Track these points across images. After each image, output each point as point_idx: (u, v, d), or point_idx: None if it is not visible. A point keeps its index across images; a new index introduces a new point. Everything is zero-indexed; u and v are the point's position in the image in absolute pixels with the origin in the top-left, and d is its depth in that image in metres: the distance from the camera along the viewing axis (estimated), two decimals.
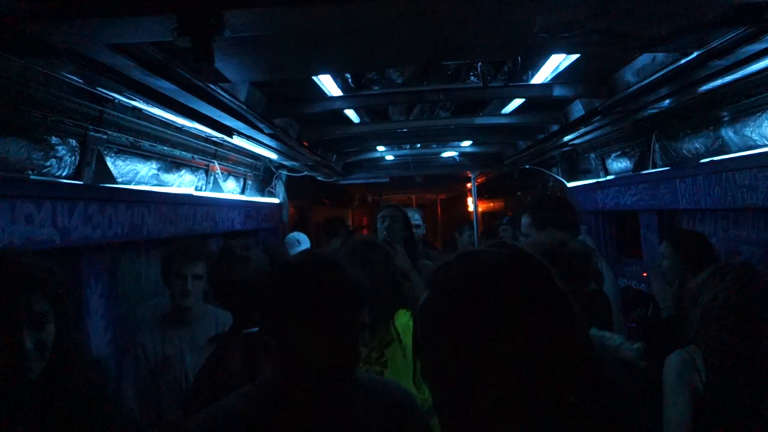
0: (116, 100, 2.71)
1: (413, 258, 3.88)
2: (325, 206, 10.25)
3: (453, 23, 2.08)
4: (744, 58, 2.32)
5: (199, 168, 4.22)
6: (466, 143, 6.45)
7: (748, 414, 2.16)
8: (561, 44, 2.48)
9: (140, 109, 2.90)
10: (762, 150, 2.90)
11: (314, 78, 3.36)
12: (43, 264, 1.55)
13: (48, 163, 2.55)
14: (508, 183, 8.85)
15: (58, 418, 1.51)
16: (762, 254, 3.11)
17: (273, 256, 3.65)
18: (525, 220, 3.23)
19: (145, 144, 3.31)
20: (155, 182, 3.57)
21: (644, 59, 3.09)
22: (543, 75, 3.52)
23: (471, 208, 8.64)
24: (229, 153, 4.62)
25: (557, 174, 6.28)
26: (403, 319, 2.66)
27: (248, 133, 3.64)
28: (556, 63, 3.25)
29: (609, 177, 5.09)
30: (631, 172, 4.61)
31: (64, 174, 2.67)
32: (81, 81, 2.30)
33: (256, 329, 2.29)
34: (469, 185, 8.43)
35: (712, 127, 3.30)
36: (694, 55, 2.46)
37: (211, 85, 2.74)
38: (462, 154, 7.45)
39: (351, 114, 4.55)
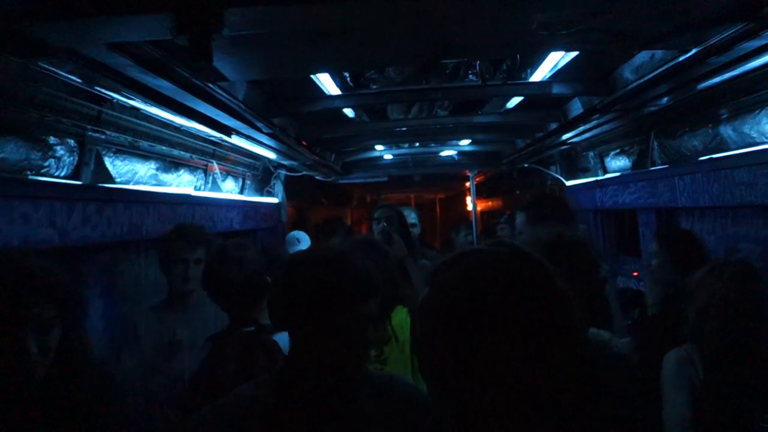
0: (115, 100, 2.70)
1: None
2: (324, 206, 10.25)
3: (452, 22, 2.08)
4: (742, 55, 2.32)
5: (197, 168, 4.22)
6: (465, 142, 6.45)
7: (746, 410, 2.17)
8: (560, 42, 2.48)
9: (138, 109, 2.90)
10: (761, 147, 2.90)
11: (313, 77, 3.36)
12: (47, 266, 1.53)
13: (46, 164, 2.54)
14: (506, 182, 8.84)
15: (61, 420, 1.50)
16: (761, 252, 3.11)
17: (271, 256, 3.66)
18: (520, 218, 3.23)
19: (144, 144, 3.30)
20: (154, 182, 3.56)
21: (643, 56, 3.09)
22: (542, 73, 3.52)
23: (470, 207, 8.64)
24: (228, 153, 4.61)
25: (556, 172, 6.28)
26: (400, 316, 2.67)
27: (247, 133, 3.64)
28: (554, 61, 3.25)
29: (608, 175, 5.09)
30: (629, 171, 4.61)
31: (62, 174, 2.67)
32: (79, 80, 2.29)
33: (253, 328, 2.29)
34: (467, 184, 8.44)
35: (710, 125, 3.30)
36: (693, 52, 2.46)
37: (210, 84, 2.74)
38: (460, 153, 7.45)
39: (349, 113, 4.54)
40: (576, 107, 4.29)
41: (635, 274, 4.73)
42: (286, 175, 6.15)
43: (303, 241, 5.31)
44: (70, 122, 2.62)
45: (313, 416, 1.51)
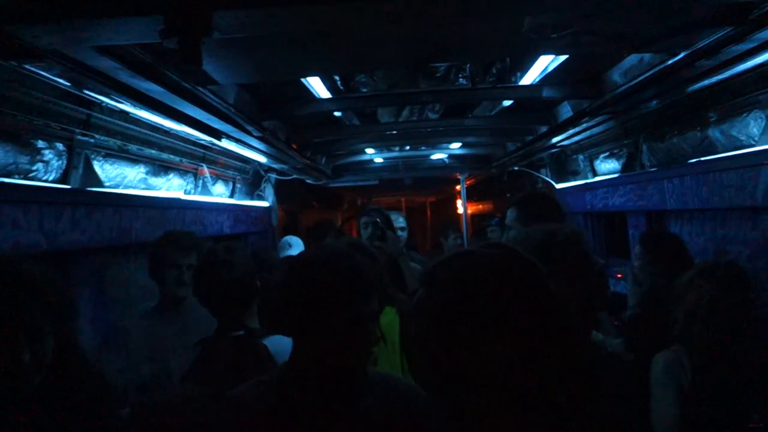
0: (103, 104, 2.68)
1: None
2: (314, 209, 10.22)
3: (442, 25, 2.08)
4: (730, 59, 2.34)
5: (187, 171, 4.20)
6: (455, 145, 6.46)
7: (734, 412, 2.18)
8: (550, 45, 2.49)
9: (128, 113, 2.88)
10: (748, 150, 2.92)
11: (303, 80, 3.35)
12: (41, 271, 1.49)
13: (34, 168, 2.52)
14: (497, 185, 8.86)
15: (57, 429, 1.47)
16: (749, 253, 3.13)
17: (261, 260, 3.64)
18: (511, 214, 3.23)
19: (133, 147, 3.28)
20: (143, 186, 3.54)
21: (632, 60, 3.10)
22: (531, 76, 3.54)
23: (460, 210, 8.65)
24: (218, 156, 4.60)
25: (546, 175, 6.30)
26: (389, 316, 2.67)
27: (237, 136, 3.62)
28: (544, 64, 3.26)
29: (597, 178, 5.10)
30: (619, 173, 4.63)
31: (51, 178, 2.65)
32: (67, 84, 2.28)
33: (242, 332, 2.28)
34: (458, 187, 8.44)
35: (699, 128, 3.32)
36: (682, 55, 2.48)
37: (200, 88, 2.73)
38: (451, 156, 7.46)
39: (340, 116, 4.54)
40: (566, 110, 4.31)
41: (619, 276, 4.75)
42: (276, 179, 6.14)
43: (294, 245, 5.29)
44: (59, 126, 2.60)
45: (315, 417, 1.50)
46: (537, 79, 3.61)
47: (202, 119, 3.04)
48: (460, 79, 3.69)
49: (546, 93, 3.80)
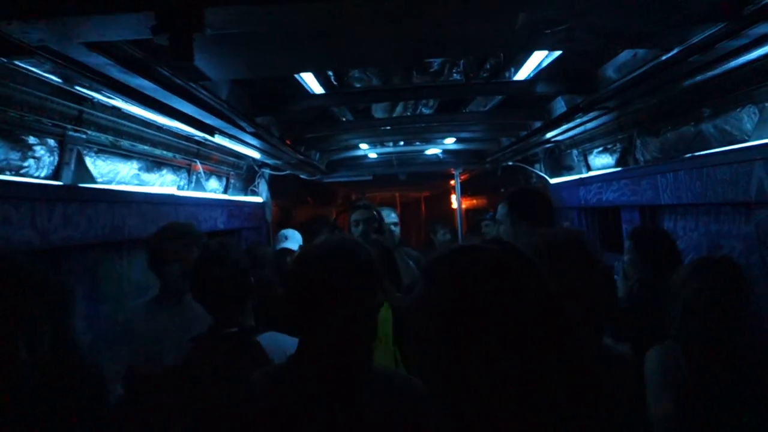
0: (95, 100, 2.67)
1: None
2: (308, 205, 10.20)
3: (436, 20, 2.07)
4: (724, 54, 2.34)
5: (181, 167, 4.18)
6: (450, 140, 6.45)
7: (731, 409, 2.18)
8: (544, 41, 2.48)
9: (120, 108, 2.86)
10: (742, 145, 2.92)
11: (296, 76, 3.34)
12: (37, 266, 1.48)
13: (26, 164, 2.51)
14: (491, 180, 8.85)
15: (56, 424, 1.46)
16: (743, 249, 3.14)
17: (254, 257, 3.63)
18: (502, 209, 3.23)
19: (126, 143, 3.27)
20: (136, 182, 3.53)
21: (626, 56, 3.10)
22: (525, 71, 3.53)
23: (454, 205, 8.64)
24: (212, 152, 4.58)
25: (540, 170, 6.30)
26: (382, 311, 2.67)
27: (230, 132, 3.61)
28: (538, 60, 3.25)
29: (591, 173, 5.11)
30: (613, 168, 4.63)
31: (42, 174, 2.63)
32: (59, 80, 2.26)
33: (236, 329, 2.27)
34: (452, 183, 8.44)
35: (693, 123, 3.32)
36: (675, 51, 2.48)
37: (192, 84, 2.71)
38: (445, 152, 7.45)
39: (334, 111, 4.53)
40: (560, 106, 4.31)
41: None
42: (270, 175, 6.12)
43: (291, 238, 5.27)
44: (50, 122, 2.58)
45: (320, 410, 1.51)
46: (531, 75, 3.60)
47: (195, 115, 3.03)
48: (454, 75, 3.69)
49: (540, 88, 3.79)
